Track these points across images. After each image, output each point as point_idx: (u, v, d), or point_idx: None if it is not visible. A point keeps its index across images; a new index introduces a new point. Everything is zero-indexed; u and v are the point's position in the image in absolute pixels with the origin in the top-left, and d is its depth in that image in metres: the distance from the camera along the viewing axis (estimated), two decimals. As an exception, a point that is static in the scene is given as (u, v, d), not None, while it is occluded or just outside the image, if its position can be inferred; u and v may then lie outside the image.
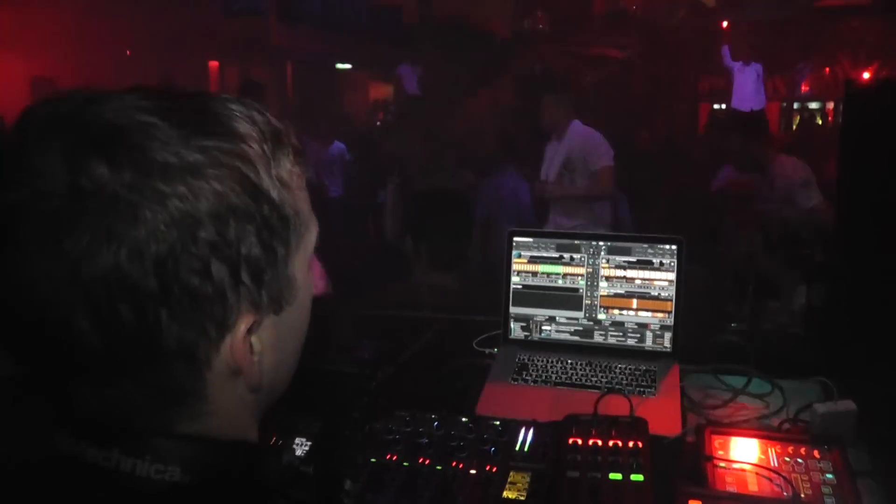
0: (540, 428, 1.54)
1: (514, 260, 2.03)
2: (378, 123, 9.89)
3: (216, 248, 0.62)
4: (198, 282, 0.62)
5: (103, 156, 0.60)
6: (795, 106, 13.11)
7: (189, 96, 0.68)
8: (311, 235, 0.75)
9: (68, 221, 0.59)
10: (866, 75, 10.91)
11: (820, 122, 11.62)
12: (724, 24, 12.08)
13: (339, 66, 13.14)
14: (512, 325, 2.04)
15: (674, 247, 1.94)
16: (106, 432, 0.66)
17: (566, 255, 2.00)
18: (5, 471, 0.69)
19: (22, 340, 0.64)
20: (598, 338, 1.98)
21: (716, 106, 12.87)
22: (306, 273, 0.75)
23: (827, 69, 12.09)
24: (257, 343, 0.69)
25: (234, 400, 0.71)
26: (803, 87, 11.90)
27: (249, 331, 0.67)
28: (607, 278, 1.98)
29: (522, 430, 1.53)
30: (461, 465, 1.44)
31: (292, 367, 0.80)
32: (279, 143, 0.70)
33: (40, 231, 0.59)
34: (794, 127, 12.43)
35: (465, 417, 1.58)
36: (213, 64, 10.55)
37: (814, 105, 12.17)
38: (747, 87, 9.43)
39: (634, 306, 1.96)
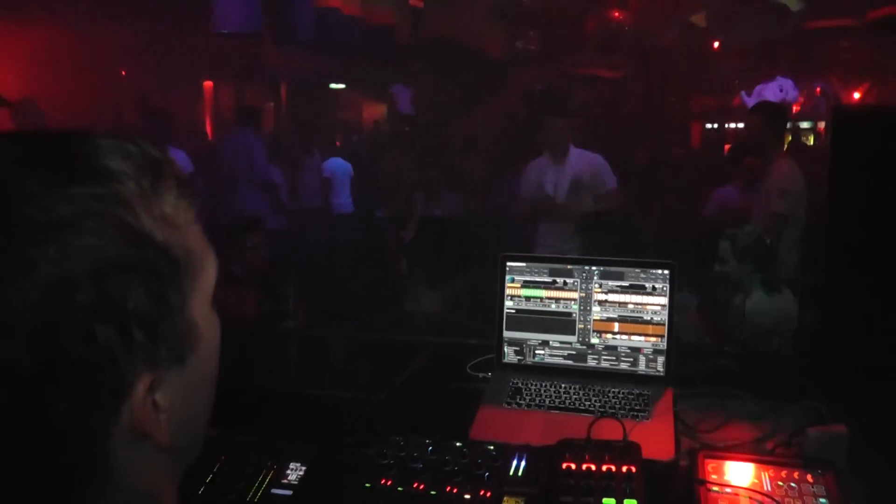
0: (534, 452, 1.54)
1: (508, 284, 2.04)
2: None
3: (98, 310, 0.55)
4: (83, 350, 0.55)
5: None
6: (787, 125, 13.17)
7: (54, 138, 0.62)
8: (209, 272, 0.68)
9: None
10: (857, 95, 11.02)
11: (811, 143, 11.69)
12: (716, 44, 12.20)
13: (333, 86, 13.23)
14: (505, 349, 2.04)
15: (666, 271, 1.95)
16: None
17: (559, 280, 2.01)
18: None
19: None
20: (591, 362, 1.99)
21: (707, 126, 12.98)
22: (209, 314, 0.69)
23: (818, 89, 12.19)
24: (163, 399, 0.63)
25: (144, 466, 0.64)
26: (794, 107, 11.97)
27: (151, 389, 0.61)
28: (600, 303, 1.99)
29: (516, 455, 1.53)
30: (455, 490, 1.44)
31: (206, 417, 0.73)
32: (159, 176, 0.64)
33: None
34: (785, 147, 12.49)
35: (459, 442, 1.58)
36: (208, 84, 10.61)
37: (805, 125, 12.25)
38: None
39: (627, 330, 1.97)
